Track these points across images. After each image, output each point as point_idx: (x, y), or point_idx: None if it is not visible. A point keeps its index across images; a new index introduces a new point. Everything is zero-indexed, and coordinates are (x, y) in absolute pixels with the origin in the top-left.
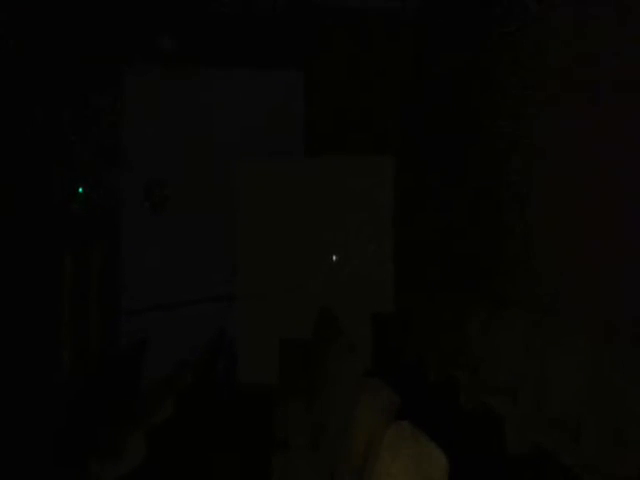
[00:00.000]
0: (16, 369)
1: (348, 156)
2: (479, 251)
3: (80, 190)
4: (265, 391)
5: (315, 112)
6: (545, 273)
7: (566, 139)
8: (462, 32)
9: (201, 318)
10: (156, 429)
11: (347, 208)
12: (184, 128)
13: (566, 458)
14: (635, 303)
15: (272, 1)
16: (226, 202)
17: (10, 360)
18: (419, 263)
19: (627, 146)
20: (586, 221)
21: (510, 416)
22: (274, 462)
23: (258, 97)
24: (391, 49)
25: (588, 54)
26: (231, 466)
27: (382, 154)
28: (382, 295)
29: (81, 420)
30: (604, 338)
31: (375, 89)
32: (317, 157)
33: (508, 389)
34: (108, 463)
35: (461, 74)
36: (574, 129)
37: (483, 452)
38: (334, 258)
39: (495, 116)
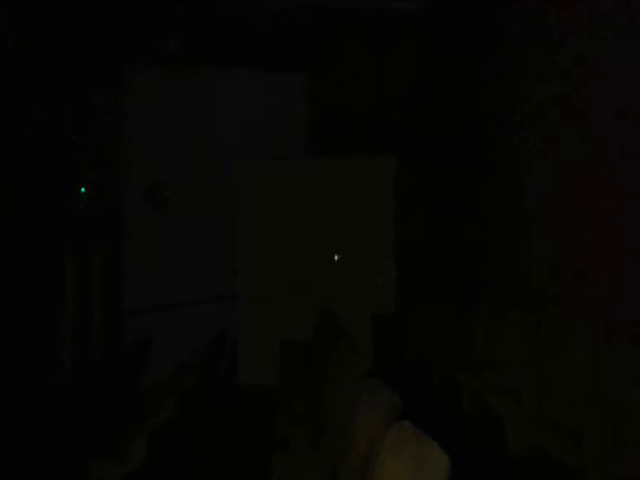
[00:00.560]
0: (17, 369)
1: (349, 157)
2: (480, 251)
3: (82, 190)
4: (266, 392)
5: (316, 113)
6: (546, 273)
7: (567, 139)
8: (462, 32)
9: (203, 318)
10: (157, 430)
11: (348, 209)
12: (185, 129)
13: (567, 459)
14: (635, 303)
15: (274, 3)
16: (227, 203)
17: (11, 360)
18: (420, 264)
19: (625, 153)
20: (586, 221)
21: (511, 417)
22: (274, 462)
23: (260, 98)
24: (392, 51)
25: None
26: (231, 466)
27: (383, 155)
28: (383, 296)
29: (82, 420)
30: (604, 338)
31: (376, 90)
32: (318, 158)
33: (510, 390)
34: (109, 463)
35: (461, 74)
36: (573, 129)
37: (484, 453)
38: (335, 259)
39: (495, 116)
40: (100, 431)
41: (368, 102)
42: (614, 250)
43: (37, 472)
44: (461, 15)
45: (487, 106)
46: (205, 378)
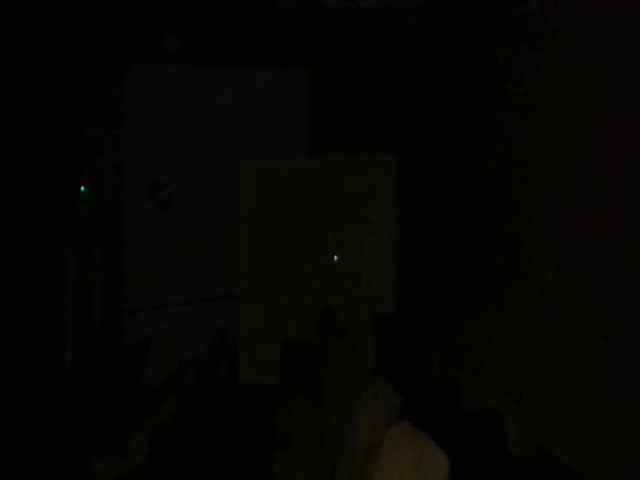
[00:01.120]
0: (18, 367)
1: (352, 156)
2: (482, 251)
3: (82, 189)
4: (266, 391)
5: (319, 112)
6: (547, 274)
7: (569, 139)
8: (463, 33)
9: (203, 317)
10: (158, 428)
11: (350, 208)
12: (187, 127)
13: (567, 459)
14: (635, 303)
15: (275, 3)
16: (228, 203)
17: (12, 359)
18: (422, 263)
19: (633, 145)
20: (587, 221)
21: (512, 417)
22: (276, 461)
23: (261, 98)
24: (393, 49)
25: None
26: (233, 465)
27: (385, 154)
28: (385, 295)
29: (83, 418)
30: (604, 339)
31: (378, 89)
32: (320, 157)
33: (510, 390)
34: (110, 462)
35: (461, 74)
36: (576, 130)
37: (485, 453)
38: (337, 258)
39: (496, 117)
40: (100, 429)
41: (370, 101)
42: (614, 250)
43: (38, 470)
44: (461, 14)
45: (488, 106)
46: (205, 377)
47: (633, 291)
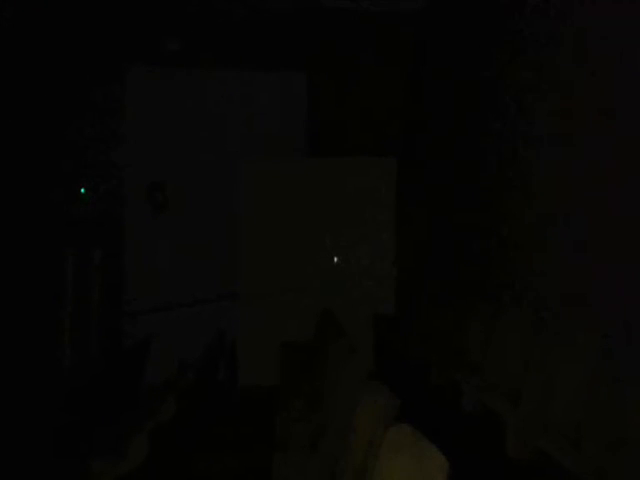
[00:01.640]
0: (18, 368)
1: (351, 157)
2: (482, 252)
3: (82, 190)
4: (266, 392)
5: (318, 113)
6: (547, 274)
7: (572, 141)
8: (463, 33)
9: (203, 318)
10: (158, 429)
11: (349, 209)
12: (187, 128)
13: (566, 461)
14: (635, 303)
15: (275, 3)
16: (227, 203)
17: (12, 359)
18: (421, 264)
19: (633, 145)
20: (587, 221)
21: (511, 418)
22: (275, 463)
23: (260, 98)
24: (393, 50)
25: None
26: (232, 466)
27: (384, 155)
28: (384, 296)
29: (83, 418)
30: (604, 339)
31: (376, 90)
32: (319, 158)
33: (509, 391)
34: (110, 462)
35: (461, 73)
36: (574, 126)
37: (484, 454)
38: (336, 259)
39: (497, 117)
40: (100, 429)
41: (370, 101)
42: (614, 250)
43: (38, 470)
44: (461, 15)
45: (489, 107)
46: (205, 378)
47: (632, 291)
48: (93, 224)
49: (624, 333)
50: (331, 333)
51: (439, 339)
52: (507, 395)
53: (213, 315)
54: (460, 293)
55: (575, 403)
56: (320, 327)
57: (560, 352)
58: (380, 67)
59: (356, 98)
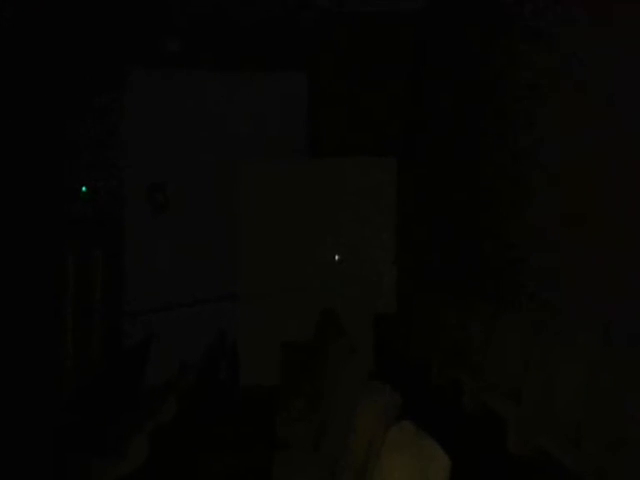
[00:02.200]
0: (18, 368)
1: (351, 157)
2: (482, 252)
3: (84, 189)
4: (267, 392)
5: (318, 113)
6: (547, 274)
7: (571, 140)
8: (463, 33)
9: (203, 319)
10: (159, 429)
11: (350, 209)
12: (187, 129)
13: (567, 460)
14: (634, 303)
15: (275, 3)
16: (227, 203)
17: (12, 359)
18: (421, 264)
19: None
20: (587, 221)
21: (512, 418)
22: (275, 462)
23: (260, 99)
24: (393, 51)
25: None
26: (233, 465)
27: (384, 155)
28: (384, 296)
29: (83, 418)
30: (604, 339)
31: (377, 90)
32: (319, 158)
33: (510, 390)
34: (110, 462)
35: (461, 74)
36: (575, 125)
37: (485, 453)
38: (336, 259)
39: (497, 117)
40: (100, 429)
41: (369, 102)
42: (614, 250)
43: (38, 470)
44: (461, 15)
45: (489, 106)
46: (206, 378)
47: (632, 291)
48: (93, 224)
49: (624, 333)
50: (331, 333)
51: (440, 338)
52: (507, 395)
53: (213, 315)
54: (460, 293)
55: (575, 403)
56: (320, 327)
57: (560, 352)
58: (380, 67)
59: (356, 98)
